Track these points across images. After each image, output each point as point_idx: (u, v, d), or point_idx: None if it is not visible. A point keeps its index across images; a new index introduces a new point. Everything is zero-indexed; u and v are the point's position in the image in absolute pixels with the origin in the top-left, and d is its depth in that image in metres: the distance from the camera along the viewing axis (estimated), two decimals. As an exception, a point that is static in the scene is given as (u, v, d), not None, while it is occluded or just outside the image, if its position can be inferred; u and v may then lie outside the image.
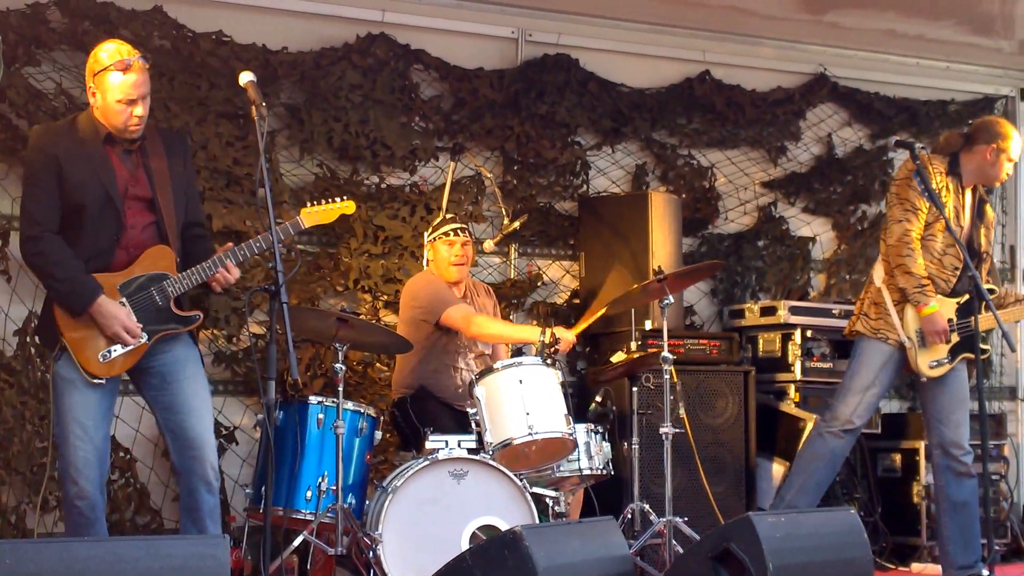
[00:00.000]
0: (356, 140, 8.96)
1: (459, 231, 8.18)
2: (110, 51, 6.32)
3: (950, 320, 7.84)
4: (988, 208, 8.16)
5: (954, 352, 7.88)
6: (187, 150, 6.74)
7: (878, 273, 7.99)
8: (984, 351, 8.03)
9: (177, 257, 6.45)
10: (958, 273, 7.90)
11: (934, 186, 7.76)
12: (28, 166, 6.53)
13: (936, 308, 7.75)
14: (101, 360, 6.29)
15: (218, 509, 6.50)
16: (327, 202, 6.95)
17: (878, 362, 7.91)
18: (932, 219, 7.85)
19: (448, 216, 8.39)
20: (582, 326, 8.59)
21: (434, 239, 8.21)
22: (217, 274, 6.45)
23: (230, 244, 6.52)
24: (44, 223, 6.28)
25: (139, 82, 6.29)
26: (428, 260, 8.32)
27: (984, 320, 7.84)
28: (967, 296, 7.90)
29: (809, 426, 8.90)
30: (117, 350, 6.31)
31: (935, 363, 7.85)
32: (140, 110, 6.31)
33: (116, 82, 6.27)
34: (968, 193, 8.03)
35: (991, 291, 7.97)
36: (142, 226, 6.42)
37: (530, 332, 7.85)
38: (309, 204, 6.93)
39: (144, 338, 6.35)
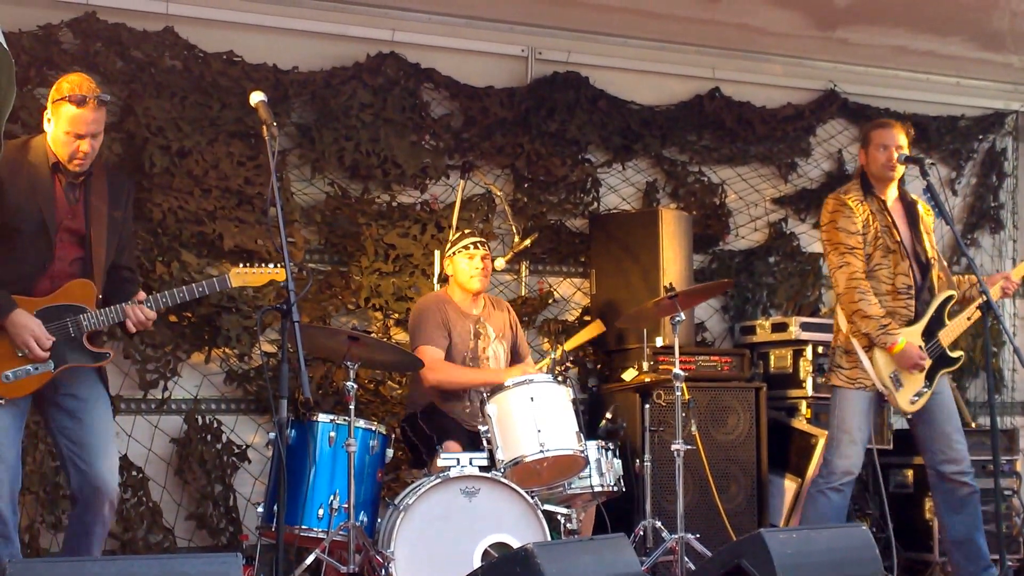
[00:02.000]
0: (367, 159, 8.98)
1: (479, 244, 8.19)
2: (72, 83, 6.38)
3: (920, 346, 7.79)
4: (919, 209, 8.05)
5: (931, 376, 7.83)
6: (131, 194, 6.79)
7: (841, 319, 7.90)
8: (957, 359, 7.95)
9: (99, 294, 6.48)
10: (913, 293, 7.84)
11: (857, 219, 7.78)
12: None
13: (904, 342, 7.69)
14: (4, 380, 6.29)
15: (104, 535, 6.57)
16: (259, 266, 7.01)
17: (862, 408, 7.80)
18: (871, 248, 7.80)
19: (467, 231, 8.39)
20: (577, 342, 8.65)
21: (453, 253, 8.21)
22: (130, 318, 6.46)
23: (143, 294, 6.56)
24: None
25: (91, 119, 6.34)
26: (447, 276, 8.30)
27: (949, 332, 7.83)
28: (928, 316, 7.84)
29: (821, 442, 8.89)
30: (20, 373, 6.30)
31: (915, 397, 7.79)
32: (86, 146, 6.36)
33: (68, 114, 6.33)
34: (893, 202, 7.95)
35: (950, 297, 7.91)
36: (70, 259, 6.46)
37: (495, 375, 7.86)
38: (242, 265, 7.00)
39: (51, 365, 6.36)
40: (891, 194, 7.94)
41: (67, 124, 6.33)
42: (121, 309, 6.45)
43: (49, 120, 6.41)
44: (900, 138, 7.87)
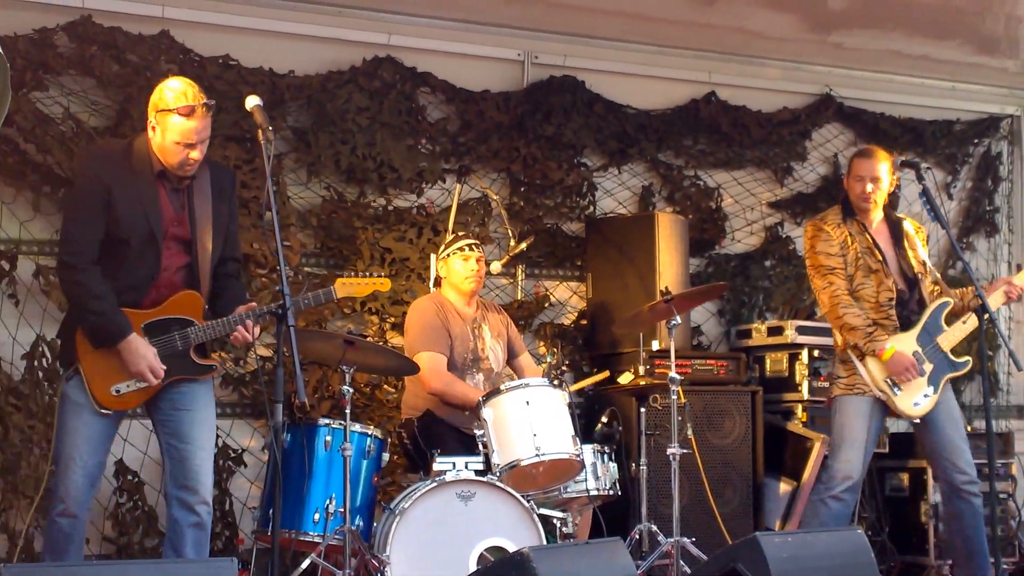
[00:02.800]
0: (363, 163, 8.98)
1: (473, 246, 8.19)
2: (176, 92, 6.30)
3: (915, 352, 7.78)
4: (904, 226, 8.06)
5: (935, 380, 7.83)
6: (234, 187, 6.74)
7: (837, 336, 7.93)
8: (963, 363, 7.95)
9: (205, 301, 6.47)
10: (893, 304, 7.81)
11: (834, 242, 7.81)
12: (77, 187, 6.51)
13: (894, 348, 7.69)
14: (114, 394, 6.32)
15: (206, 544, 6.47)
16: (364, 275, 7.03)
17: (862, 415, 7.79)
18: (852, 270, 7.81)
19: (460, 233, 8.40)
20: (582, 385, 8.72)
21: (448, 255, 8.22)
22: (236, 333, 6.44)
23: (253, 304, 6.51)
24: (85, 252, 6.26)
25: (200, 128, 6.27)
26: (441, 278, 8.31)
27: (949, 338, 7.84)
28: (922, 323, 7.85)
29: (817, 446, 8.90)
30: (131, 386, 6.33)
31: (920, 399, 7.78)
32: (197, 154, 6.31)
33: (178, 125, 6.24)
34: (877, 223, 7.96)
35: (946, 303, 7.92)
36: (176, 267, 6.43)
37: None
38: (346, 274, 7.02)
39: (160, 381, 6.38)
40: (875, 216, 7.96)
41: (177, 135, 6.25)
42: (228, 323, 6.40)
43: (154, 128, 6.31)
44: (879, 169, 7.84)
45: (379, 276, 7.07)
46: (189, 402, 6.47)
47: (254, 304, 6.50)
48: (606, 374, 9.09)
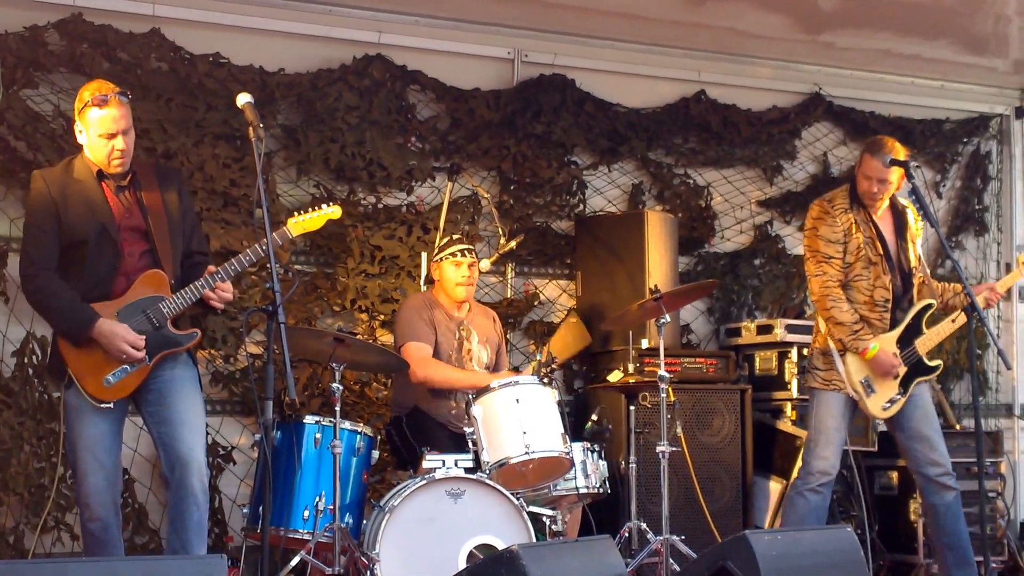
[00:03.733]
0: (353, 161, 8.99)
1: (466, 252, 8.19)
2: (91, 88, 6.53)
3: (895, 353, 7.81)
4: (909, 218, 8.06)
5: (905, 384, 7.84)
6: (181, 183, 6.84)
7: (821, 323, 7.94)
8: (934, 368, 7.97)
9: (172, 280, 6.55)
10: (889, 306, 7.86)
11: (839, 228, 7.81)
12: (28, 210, 6.68)
13: (878, 347, 7.70)
14: (105, 385, 6.41)
15: (204, 524, 6.55)
16: (313, 209, 7.03)
17: (838, 410, 7.83)
18: (852, 259, 7.83)
19: (455, 237, 8.39)
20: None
21: (440, 259, 8.22)
22: (208, 292, 6.52)
23: (212, 267, 6.60)
24: (41, 262, 6.45)
25: (117, 116, 6.45)
26: (434, 280, 8.31)
27: (927, 341, 7.85)
28: (904, 324, 7.87)
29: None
30: (119, 374, 6.41)
31: (888, 404, 7.81)
32: (121, 143, 6.47)
33: (95, 117, 6.46)
34: (883, 212, 7.97)
35: (928, 305, 7.93)
36: (139, 253, 6.55)
37: (482, 378, 7.87)
38: (296, 214, 6.99)
39: (147, 359, 6.45)
40: (882, 205, 7.95)
41: (97, 127, 6.45)
42: (195, 288, 6.51)
43: (81, 132, 6.54)
44: (888, 174, 7.81)
45: (329, 207, 7.06)
46: (175, 389, 6.55)
47: (213, 267, 6.59)
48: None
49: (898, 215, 8.01)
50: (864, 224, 7.84)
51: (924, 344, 7.85)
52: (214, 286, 6.52)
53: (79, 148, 6.62)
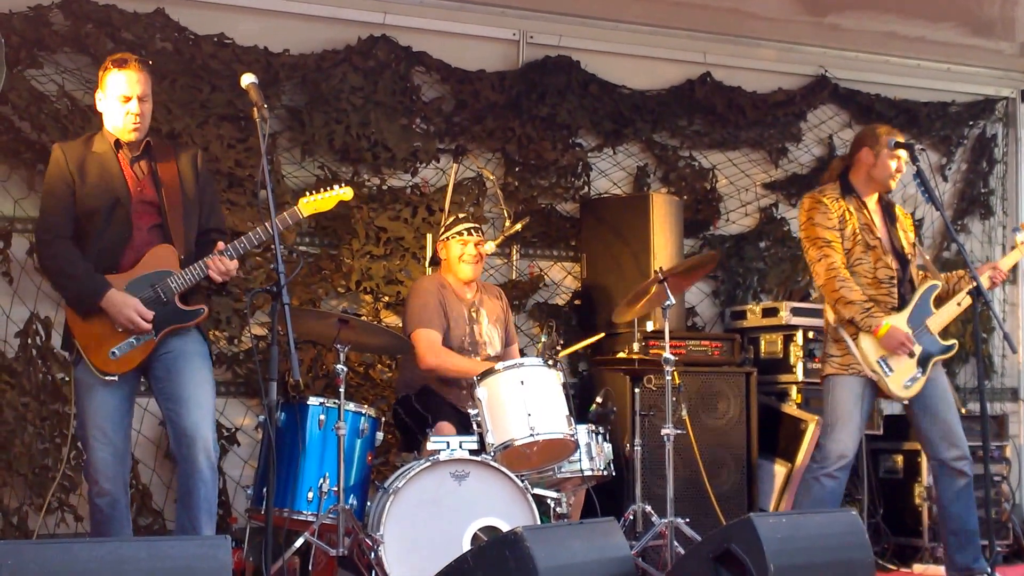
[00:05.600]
0: (357, 142, 8.98)
1: (472, 230, 8.18)
2: (113, 55, 6.66)
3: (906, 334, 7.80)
4: (897, 209, 8.09)
5: (923, 362, 7.83)
6: (198, 159, 6.87)
7: (829, 313, 7.92)
8: (950, 347, 7.96)
9: (182, 256, 6.58)
10: (895, 283, 7.85)
11: (833, 215, 7.79)
12: (46, 181, 6.73)
13: (889, 324, 7.68)
14: (111, 357, 6.46)
15: (213, 501, 6.57)
16: (325, 190, 7.01)
17: (855, 394, 7.79)
18: (850, 244, 7.81)
19: (461, 215, 8.37)
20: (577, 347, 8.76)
21: (447, 238, 8.21)
22: (211, 264, 6.56)
23: (221, 244, 6.63)
24: (56, 229, 6.53)
25: (136, 79, 6.57)
26: (440, 259, 8.30)
27: (938, 320, 7.84)
28: (913, 304, 7.85)
29: (811, 427, 8.90)
30: (124, 348, 6.47)
31: (909, 382, 7.79)
32: (136, 107, 6.56)
33: (115, 80, 6.57)
34: (873, 203, 7.96)
35: (935, 286, 7.92)
36: (148, 227, 6.60)
37: (491, 367, 7.88)
38: (307, 193, 6.99)
39: (153, 333, 6.50)
40: (871, 196, 7.96)
41: (115, 88, 6.57)
42: (203, 263, 6.56)
43: (100, 99, 6.67)
44: (896, 152, 7.87)
45: (341, 187, 7.06)
46: (183, 365, 6.58)
47: (222, 244, 6.63)
48: (601, 335, 9.09)
49: (887, 207, 8.02)
50: (858, 212, 7.84)
51: (935, 324, 7.83)
52: (214, 260, 6.56)
53: (83, 128, 6.63)
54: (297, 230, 8.82)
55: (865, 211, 7.86)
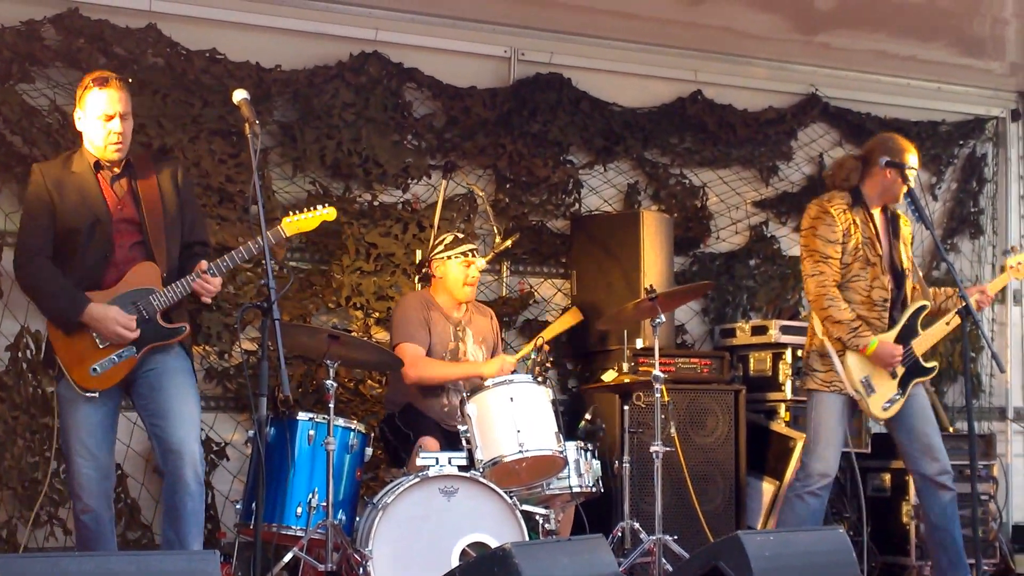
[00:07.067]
0: (349, 158, 8.99)
1: (474, 252, 8.19)
2: (92, 74, 6.65)
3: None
4: (902, 222, 8.06)
5: (904, 384, 7.84)
6: (179, 173, 6.86)
7: (816, 323, 7.89)
8: (931, 369, 7.98)
9: (165, 273, 6.58)
10: (888, 305, 7.86)
11: (838, 228, 7.76)
12: (25, 202, 6.78)
13: (877, 342, 7.68)
14: (92, 374, 6.45)
15: (200, 516, 6.57)
16: (308, 210, 7.03)
17: (837, 412, 7.80)
18: (850, 259, 7.80)
19: (460, 235, 8.36)
20: (552, 332, 8.72)
21: (448, 257, 8.19)
22: (196, 286, 6.55)
23: (204, 263, 6.61)
24: (35, 249, 6.54)
25: (116, 98, 6.55)
26: (432, 277, 8.29)
27: (923, 342, 7.85)
28: (900, 325, 7.86)
29: (799, 445, 8.90)
30: (106, 364, 6.46)
31: (888, 404, 7.80)
32: (118, 126, 6.54)
33: (95, 99, 6.54)
34: (877, 214, 7.95)
35: (923, 307, 7.93)
36: (129, 245, 6.60)
37: (474, 368, 7.88)
38: (291, 213, 6.99)
39: (133, 350, 6.49)
40: (877, 208, 7.95)
41: (96, 107, 6.53)
42: (186, 282, 6.55)
43: (80, 118, 6.63)
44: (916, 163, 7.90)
45: (324, 208, 7.08)
46: (166, 381, 6.58)
47: (205, 263, 6.61)
48: (577, 316, 9.10)
49: (891, 219, 8.01)
50: (864, 225, 7.82)
51: (920, 345, 7.85)
52: (198, 280, 6.54)
53: (75, 142, 6.64)
54: (287, 246, 8.82)
55: (871, 224, 7.85)
